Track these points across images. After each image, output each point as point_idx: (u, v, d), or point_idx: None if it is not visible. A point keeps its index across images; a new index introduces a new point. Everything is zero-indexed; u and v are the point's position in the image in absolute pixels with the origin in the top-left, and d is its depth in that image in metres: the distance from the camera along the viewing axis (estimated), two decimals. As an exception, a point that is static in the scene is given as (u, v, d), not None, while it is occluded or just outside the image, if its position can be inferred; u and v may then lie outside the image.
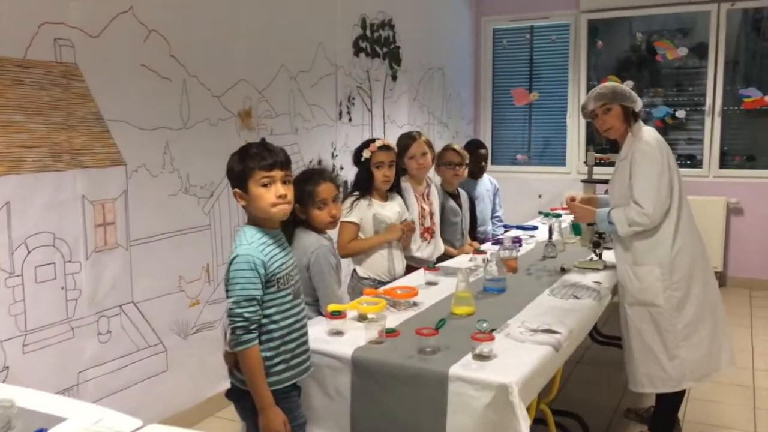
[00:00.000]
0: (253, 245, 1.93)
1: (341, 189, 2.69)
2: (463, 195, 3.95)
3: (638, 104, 2.84)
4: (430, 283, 2.90)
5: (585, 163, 5.93)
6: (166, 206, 3.11)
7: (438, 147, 3.95)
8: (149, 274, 3.04)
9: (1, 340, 2.47)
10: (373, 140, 3.14)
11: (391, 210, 3.13)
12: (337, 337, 2.22)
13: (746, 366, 3.89)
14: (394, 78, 5.11)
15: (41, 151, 2.56)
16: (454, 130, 6.24)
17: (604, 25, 6.25)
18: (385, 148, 3.11)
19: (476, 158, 4.30)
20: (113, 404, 2.75)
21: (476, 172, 4.36)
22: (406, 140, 3.46)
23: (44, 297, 2.60)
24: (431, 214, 3.48)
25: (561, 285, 2.85)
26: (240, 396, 2.01)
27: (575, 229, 3.30)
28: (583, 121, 6.10)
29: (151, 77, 3.02)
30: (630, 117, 2.83)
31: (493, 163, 6.35)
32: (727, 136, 5.87)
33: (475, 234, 4.09)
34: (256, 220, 1.99)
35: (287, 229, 2.29)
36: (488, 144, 6.35)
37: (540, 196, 6.40)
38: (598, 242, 3.21)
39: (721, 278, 5.70)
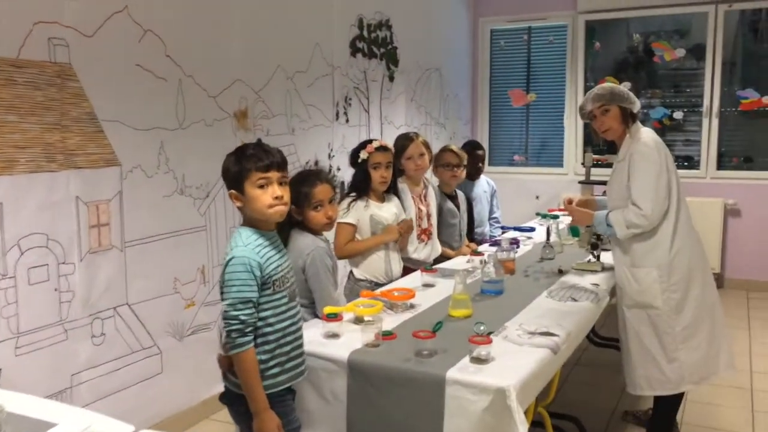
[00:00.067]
0: (249, 247, 1.91)
1: (338, 190, 2.67)
2: (461, 196, 3.94)
3: (636, 105, 2.83)
4: (427, 285, 2.88)
5: (582, 164, 5.90)
6: (161, 207, 3.09)
7: (435, 148, 3.94)
8: (144, 275, 3.02)
9: (-6, 342, 2.44)
10: (370, 141, 3.14)
11: (388, 211, 3.12)
12: (333, 340, 2.20)
13: (744, 368, 3.88)
14: (391, 79, 5.09)
15: (34, 152, 2.53)
16: (452, 130, 6.23)
17: (601, 26, 6.25)
18: (382, 149, 3.10)
19: (473, 159, 4.29)
20: (107, 407, 2.74)
21: (473, 173, 4.35)
22: (404, 141, 3.44)
23: (37, 299, 2.58)
24: (428, 216, 3.47)
25: (559, 287, 2.84)
26: (234, 400, 1.99)
27: (573, 230, 3.30)
28: (580, 122, 6.10)
29: (147, 77, 2.99)
30: (628, 118, 2.82)
31: (490, 164, 6.35)
32: (725, 137, 5.87)
33: (472, 235, 4.08)
34: (252, 221, 1.97)
35: (283, 230, 2.27)
36: (485, 145, 6.30)
37: (537, 197, 6.39)
38: (596, 244, 3.20)
39: (719, 280, 5.69)
